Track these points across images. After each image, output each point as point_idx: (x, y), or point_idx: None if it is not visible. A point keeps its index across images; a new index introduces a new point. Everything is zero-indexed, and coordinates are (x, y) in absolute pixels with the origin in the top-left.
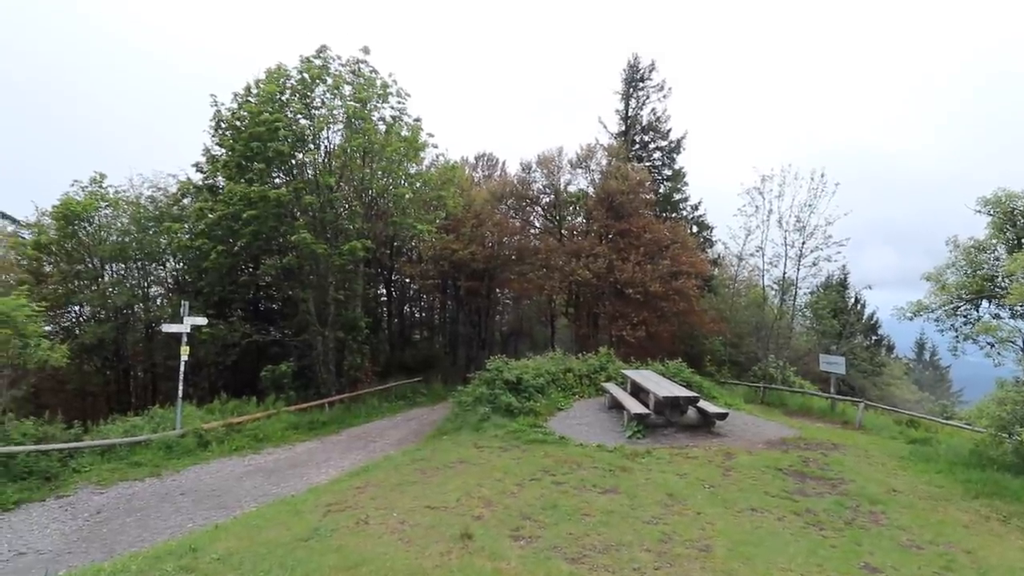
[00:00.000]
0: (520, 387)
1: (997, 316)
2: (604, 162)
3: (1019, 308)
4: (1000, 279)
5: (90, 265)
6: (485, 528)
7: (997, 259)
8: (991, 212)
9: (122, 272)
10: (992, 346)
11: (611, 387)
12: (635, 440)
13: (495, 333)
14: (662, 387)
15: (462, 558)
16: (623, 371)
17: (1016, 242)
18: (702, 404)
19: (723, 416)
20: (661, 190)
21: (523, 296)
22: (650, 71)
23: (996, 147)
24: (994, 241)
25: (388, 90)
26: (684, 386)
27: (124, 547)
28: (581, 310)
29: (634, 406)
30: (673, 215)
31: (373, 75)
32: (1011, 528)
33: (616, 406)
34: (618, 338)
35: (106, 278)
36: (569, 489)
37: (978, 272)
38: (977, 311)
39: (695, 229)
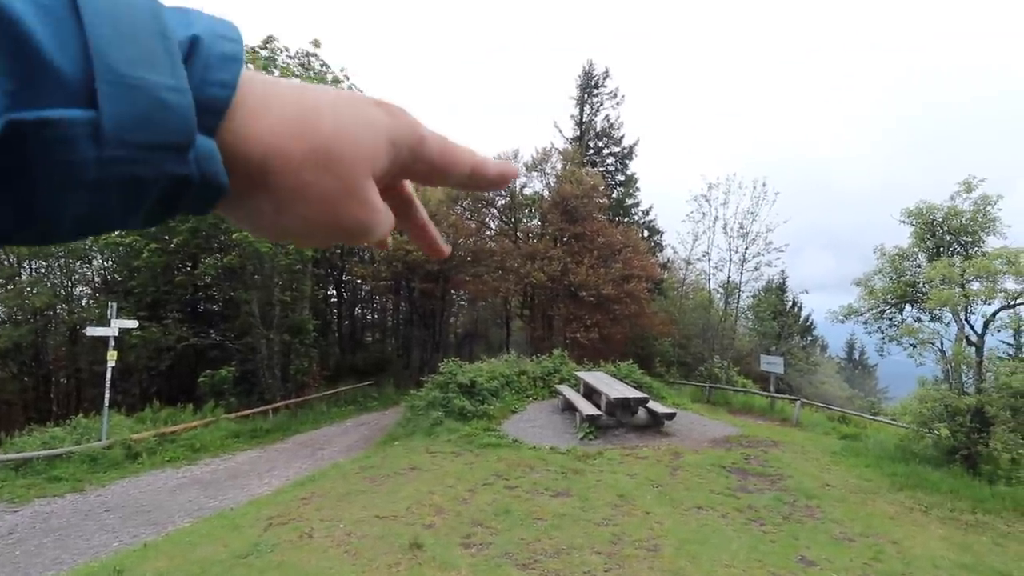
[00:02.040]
0: (474, 390)
1: (918, 319)
2: (559, 166)
3: (938, 312)
4: (921, 285)
5: (5, 262)
6: (436, 537)
7: (919, 266)
8: (913, 222)
9: (42, 270)
10: (914, 347)
11: (564, 389)
12: (587, 441)
13: (449, 335)
14: (614, 388)
15: (411, 569)
16: (576, 373)
17: (935, 251)
18: (652, 405)
19: (671, 416)
20: (614, 195)
21: (478, 298)
22: (604, 78)
23: (928, 163)
24: (916, 250)
25: (340, 85)
26: (635, 387)
27: (39, 571)
28: (536, 312)
29: (586, 408)
30: (625, 220)
31: (324, 69)
32: (932, 518)
33: (569, 408)
34: (572, 340)
35: (24, 276)
36: (522, 493)
37: (902, 278)
38: (901, 314)
39: (646, 233)
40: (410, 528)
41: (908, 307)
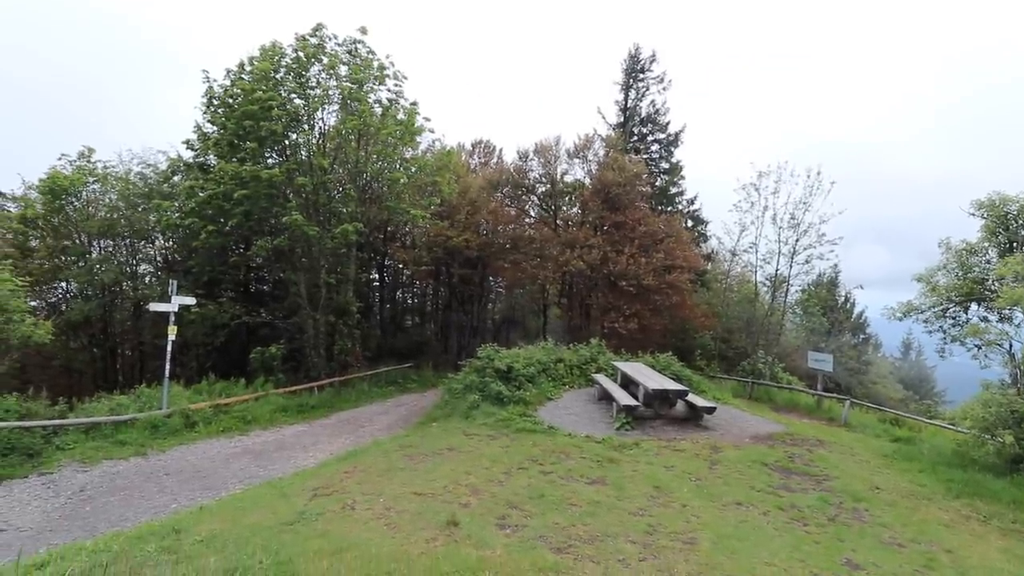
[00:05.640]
0: (511, 376)
1: (985, 319)
2: (601, 153)
3: (1007, 311)
4: (990, 282)
5: (77, 241)
6: (471, 516)
7: (988, 262)
8: (984, 215)
9: (110, 249)
10: (979, 348)
11: (601, 378)
12: (623, 432)
13: (487, 321)
14: (652, 380)
15: (447, 545)
16: (614, 363)
17: (1007, 246)
18: (691, 398)
19: (711, 410)
20: (658, 183)
21: (516, 285)
22: (650, 63)
23: (996, 152)
24: (986, 244)
25: (385, 72)
26: (674, 379)
27: (106, 526)
28: (574, 300)
29: (623, 398)
30: (669, 208)
31: (370, 56)
32: (991, 528)
33: (606, 397)
34: (610, 330)
35: (94, 254)
36: (556, 479)
37: (969, 275)
38: (966, 313)
39: (690, 223)
40: (447, 506)
41: (974, 306)
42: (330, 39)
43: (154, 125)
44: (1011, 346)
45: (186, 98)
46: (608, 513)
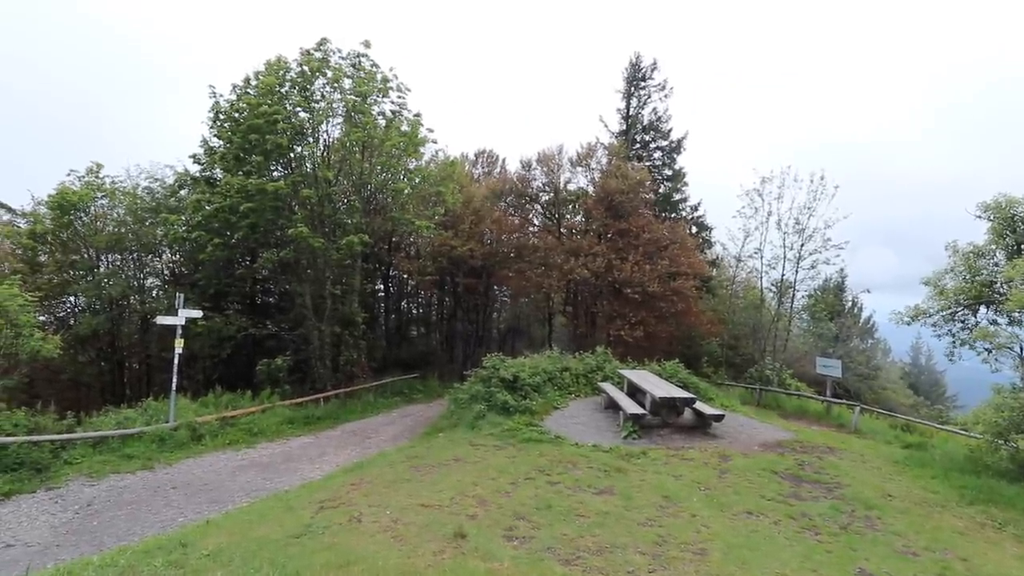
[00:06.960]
0: (516, 385)
1: (995, 322)
2: (604, 161)
3: (1017, 314)
4: (999, 285)
5: (86, 255)
6: (479, 528)
7: (996, 265)
8: (991, 217)
9: (118, 263)
10: (989, 352)
11: (607, 387)
12: (631, 441)
13: (492, 331)
14: (659, 388)
15: (455, 558)
16: (620, 371)
17: (1015, 248)
18: (698, 405)
19: (719, 418)
20: (661, 190)
21: (521, 294)
22: (652, 70)
23: (999, 153)
24: (993, 247)
25: (388, 84)
26: (681, 387)
27: (114, 541)
28: (579, 309)
29: (630, 406)
30: (672, 215)
31: (374, 69)
32: (1006, 535)
33: (612, 406)
34: (615, 337)
35: (102, 269)
36: (564, 489)
37: (977, 278)
38: (975, 316)
39: (694, 230)
40: (454, 518)
41: (983, 309)
42: (334, 53)
43: (160, 140)
44: (1021, 349)
45: (192, 113)
46: (616, 524)
